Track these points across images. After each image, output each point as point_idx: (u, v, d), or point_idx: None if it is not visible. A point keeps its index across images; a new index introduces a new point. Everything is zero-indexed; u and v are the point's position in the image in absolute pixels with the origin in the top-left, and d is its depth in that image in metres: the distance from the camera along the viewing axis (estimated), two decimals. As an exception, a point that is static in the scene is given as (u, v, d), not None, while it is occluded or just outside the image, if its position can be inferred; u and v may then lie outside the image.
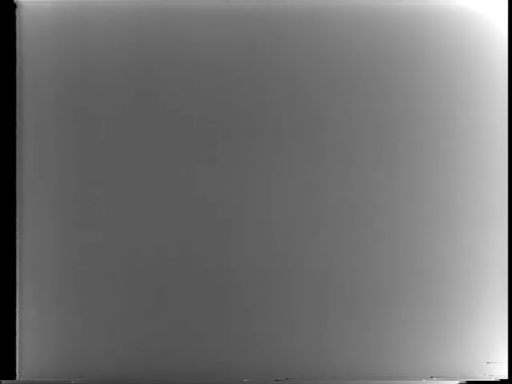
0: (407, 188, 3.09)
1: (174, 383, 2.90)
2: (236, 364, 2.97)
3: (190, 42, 3.08)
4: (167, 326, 3.01)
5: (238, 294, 2.87)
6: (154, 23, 3.09)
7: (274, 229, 2.87)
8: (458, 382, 2.90)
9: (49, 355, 3.07)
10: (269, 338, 2.86)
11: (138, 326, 2.98)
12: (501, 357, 2.91)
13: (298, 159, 3.01)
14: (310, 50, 3.02)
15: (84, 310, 3.05)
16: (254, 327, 2.86)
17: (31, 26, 3.11)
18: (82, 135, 3.04)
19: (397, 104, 3.01)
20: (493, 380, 2.83)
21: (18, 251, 3.10)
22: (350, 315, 2.97)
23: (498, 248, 3.06)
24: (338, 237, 3.01)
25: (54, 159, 3.11)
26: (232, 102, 3.03)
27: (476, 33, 3.08)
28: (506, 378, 2.85)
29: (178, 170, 2.81)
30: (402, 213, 3.03)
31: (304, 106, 3.01)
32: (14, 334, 2.98)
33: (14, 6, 3.09)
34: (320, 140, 3.03)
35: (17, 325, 3.01)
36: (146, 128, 3.06)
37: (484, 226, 3.02)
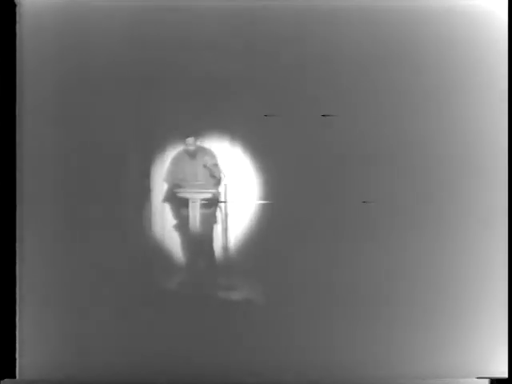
0: (410, 193, 3.06)
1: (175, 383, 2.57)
2: (237, 364, 3.11)
3: (188, 39, 3.12)
4: (167, 327, 3.15)
5: (244, 298, 3.21)
6: (150, 21, 3.12)
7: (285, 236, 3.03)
8: (456, 381, 2.93)
9: (49, 355, 3.13)
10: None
11: (139, 327, 3.17)
12: (501, 357, 3.03)
13: (306, 155, 3.06)
14: (318, 49, 3.02)
15: (84, 310, 3.18)
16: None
17: (31, 25, 3.11)
18: (81, 131, 3.11)
19: (401, 103, 3.00)
20: (492, 378, 2.85)
21: (17, 251, 3.11)
22: (356, 318, 3.10)
23: (498, 249, 3.11)
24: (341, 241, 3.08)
25: (54, 156, 3.24)
26: (234, 100, 3.14)
27: (477, 34, 3.07)
28: (506, 377, 2.89)
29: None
30: (407, 221, 3.05)
31: (312, 101, 2.98)
32: (14, 334, 2.92)
33: (15, 5, 2.98)
34: (327, 138, 3.07)
35: (17, 325, 2.95)
36: (146, 124, 3.23)
37: (485, 230, 3.10)
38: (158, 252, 4.24)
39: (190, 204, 4.61)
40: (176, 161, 4.67)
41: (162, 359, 3.39)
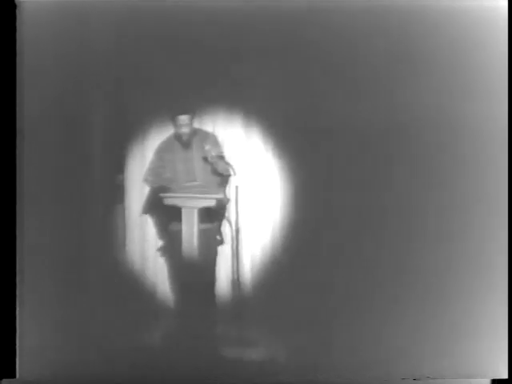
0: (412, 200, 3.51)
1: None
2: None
3: (181, 38, 3.55)
4: (162, 331, 3.51)
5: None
6: (150, 19, 3.57)
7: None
8: (456, 381, 3.32)
9: (49, 355, 3.46)
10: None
11: (137, 329, 3.46)
12: (501, 357, 3.36)
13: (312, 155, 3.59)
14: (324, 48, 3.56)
15: (83, 311, 3.45)
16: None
17: (31, 25, 3.47)
18: (81, 129, 3.58)
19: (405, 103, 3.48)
20: (493, 379, 3.28)
21: (17, 252, 3.43)
22: (357, 319, 3.52)
23: (498, 250, 3.46)
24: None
25: (53, 155, 3.59)
26: (247, 65, 3.60)
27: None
28: (506, 377, 3.34)
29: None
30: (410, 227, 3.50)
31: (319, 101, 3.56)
32: (14, 334, 3.36)
33: (15, 5, 3.46)
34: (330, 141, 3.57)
35: (17, 325, 3.37)
36: (119, 99, 3.57)
37: (485, 231, 3.46)
38: (135, 288, 3.86)
39: (184, 215, 3.91)
40: (163, 152, 4.02)
41: (162, 362, 3.65)
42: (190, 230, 3.90)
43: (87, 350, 3.62)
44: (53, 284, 3.65)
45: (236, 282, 3.90)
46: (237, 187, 3.91)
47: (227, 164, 3.93)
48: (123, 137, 3.87)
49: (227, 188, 3.97)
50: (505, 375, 3.50)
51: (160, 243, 3.97)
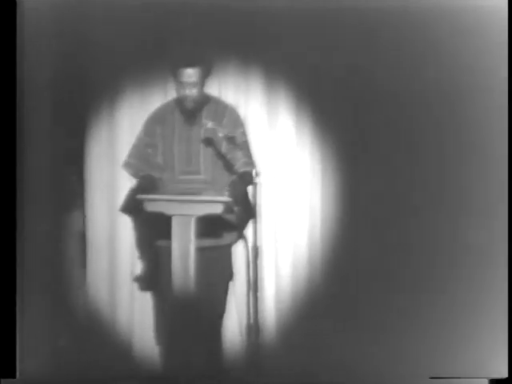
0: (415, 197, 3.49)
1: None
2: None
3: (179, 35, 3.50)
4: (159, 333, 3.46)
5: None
6: (150, 17, 3.53)
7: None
8: (456, 381, 3.30)
9: (48, 355, 3.45)
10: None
11: (137, 329, 3.50)
12: (501, 357, 3.34)
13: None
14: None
15: (83, 311, 3.57)
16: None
17: (31, 25, 3.56)
18: (79, 131, 3.64)
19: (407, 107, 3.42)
20: (492, 378, 3.27)
21: (18, 251, 3.41)
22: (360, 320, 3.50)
23: (498, 250, 3.45)
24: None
25: (53, 155, 3.51)
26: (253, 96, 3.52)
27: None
28: (506, 377, 3.35)
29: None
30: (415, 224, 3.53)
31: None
32: (14, 334, 3.36)
33: (15, 5, 3.51)
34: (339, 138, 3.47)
35: (17, 325, 3.36)
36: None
37: (485, 231, 3.49)
38: (105, 334, 3.57)
39: (175, 227, 3.13)
40: (156, 124, 3.42)
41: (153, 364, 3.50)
42: (184, 249, 3.21)
43: (87, 350, 3.56)
44: (53, 283, 3.56)
45: (253, 327, 3.33)
46: (256, 186, 3.20)
47: (246, 155, 3.32)
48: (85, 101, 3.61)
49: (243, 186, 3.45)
50: (505, 375, 3.45)
51: (139, 270, 3.54)
